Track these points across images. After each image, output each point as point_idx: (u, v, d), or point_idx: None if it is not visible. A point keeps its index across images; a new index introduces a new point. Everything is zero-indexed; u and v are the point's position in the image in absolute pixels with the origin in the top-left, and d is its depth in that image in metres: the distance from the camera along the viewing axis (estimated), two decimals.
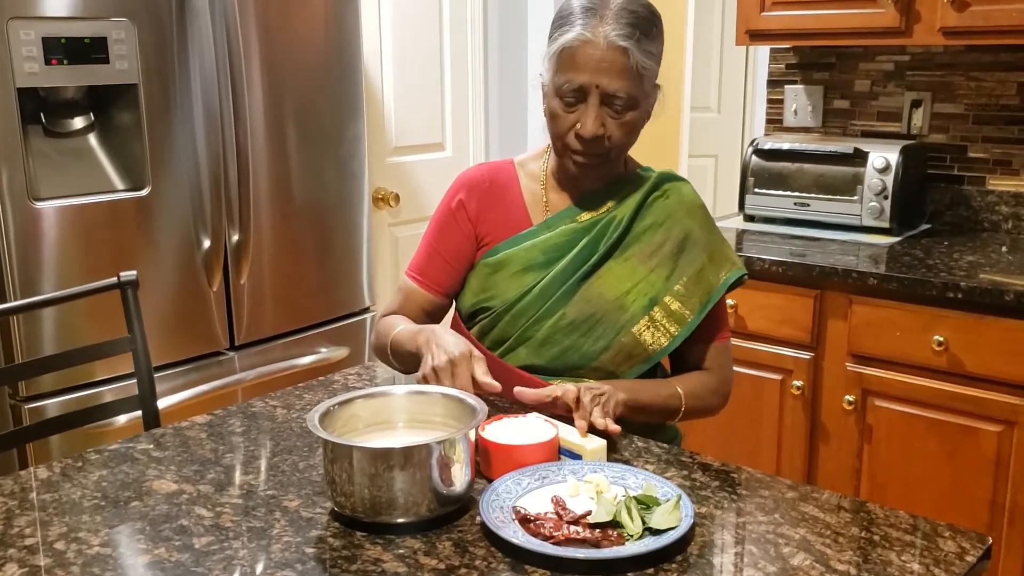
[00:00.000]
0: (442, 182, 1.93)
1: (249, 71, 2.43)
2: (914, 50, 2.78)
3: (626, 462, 1.33)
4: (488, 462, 1.27)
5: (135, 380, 1.74)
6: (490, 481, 1.22)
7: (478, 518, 1.16)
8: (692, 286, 1.58)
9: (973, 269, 2.28)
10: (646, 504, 1.15)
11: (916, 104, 2.80)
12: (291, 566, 1.08)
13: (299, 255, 2.63)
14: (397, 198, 3.16)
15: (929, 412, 2.25)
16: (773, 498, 1.24)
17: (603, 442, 1.31)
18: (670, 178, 1.65)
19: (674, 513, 1.12)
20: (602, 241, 1.58)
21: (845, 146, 2.66)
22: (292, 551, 1.11)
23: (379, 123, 3.10)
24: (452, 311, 1.72)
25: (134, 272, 1.73)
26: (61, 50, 2.11)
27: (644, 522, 1.11)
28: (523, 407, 1.49)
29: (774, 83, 3.07)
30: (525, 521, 1.13)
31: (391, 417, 1.32)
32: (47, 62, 2.09)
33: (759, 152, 2.81)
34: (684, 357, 1.64)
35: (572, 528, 1.10)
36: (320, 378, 1.71)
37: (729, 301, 2.41)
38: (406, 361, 1.56)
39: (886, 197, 2.59)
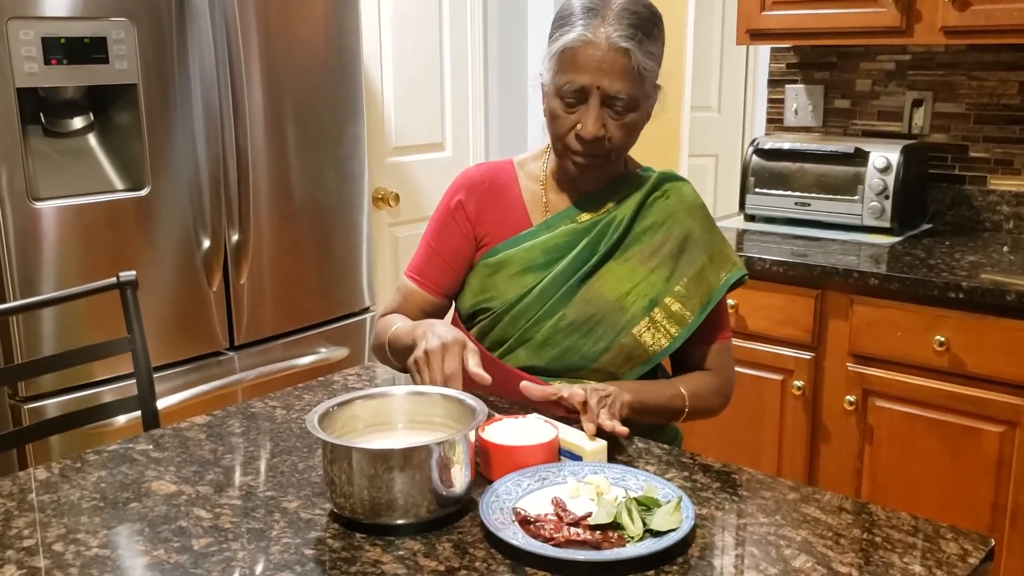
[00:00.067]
0: (442, 182, 1.92)
1: (249, 71, 2.43)
2: (915, 49, 2.77)
3: (627, 463, 1.32)
4: (488, 463, 1.27)
5: (135, 380, 1.73)
6: (490, 482, 1.22)
7: (478, 520, 1.15)
8: (692, 287, 1.57)
9: (974, 269, 2.27)
10: (647, 505, 1.14)
11: (917, 104, 2.79)
12: (290, 568, 1.07)
13: (299, 255, 2.63)
14: (397, 198, 3.16)
15: (930, 412, 2.24)
16: (774, 499, 1.23)
17: (603, 443, 1.31)
18: (670, 178, 1.64)
19: (675, 515, 1.11)
20: (602, 242, 1.57)
21: (846, 146, 2.66)
22: (291, 552, 1.11)
23: (379, 123, 3.10)
24: (452, 312, 1.72)
25: (133, 272, 1.72)
26: (61, 50, 2.10)
27: (645, 524, 1.11)
28: (523, 408, 1.48)
29: (775, 83, 3.07)
30: (525, 523, 1.12)
31: (391, 418, 1.31)
32: (47, 62, 2.09)
33: (760, 152, 2.80)
34: (685, 358, 1.64)
35: (572, 530, 1.10)
36: (320, 379, 1.71)
37: (730, 301, 2.41)
38: (404, 357, 1.54)
39: (887, 197, 2.58)
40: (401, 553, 1.10)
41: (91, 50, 2.14)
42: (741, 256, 2.41)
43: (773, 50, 3.05)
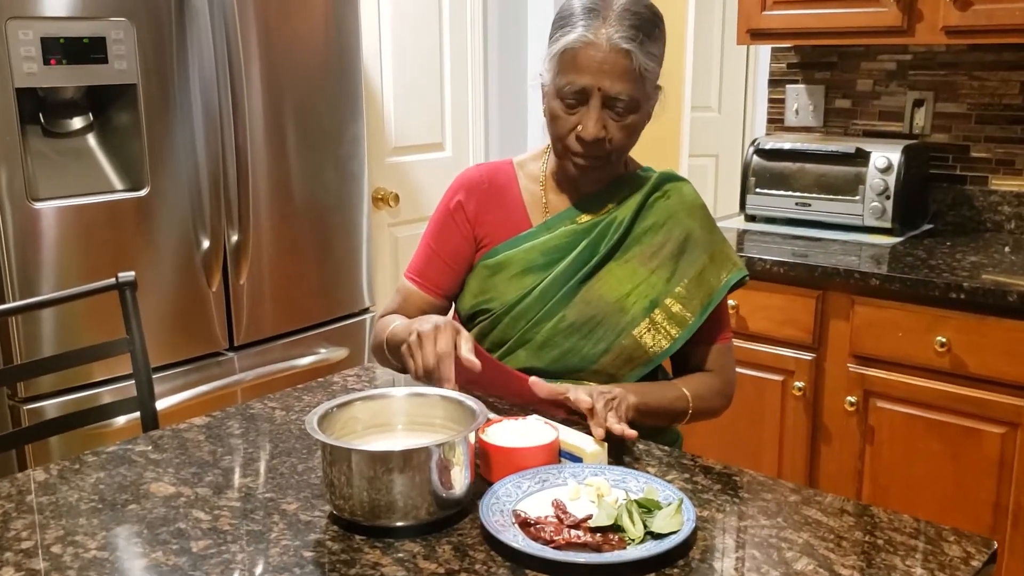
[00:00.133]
0: (442, 182, 1.92)
1: (248, 71, 2.42)
2: (916, 49, 2.77)
3: (627, 465, 1.32)
4: (488, 465, 1.26)
5: (134, 381, 1.73)
6: (490, 484, 1.21)
7: (478, 522, 1.15)
8: (693, 288, 1.57)
9: (976, 270, 2.27)
10: (647, 508, 1.14)
11: (918, 104, 2.79)
12: (289, 570, 1.07)
13: (298, 255, 2.62)
14: (397, 198, 3.16)
15: (931, 413, 2.24)
16: (776, 501, 1.23)
17: (604, 445, 1.30)
18: (671, 178, 1.63)
19: (676, 517, 1.11)
20: (602, 243, 1.57)
21: (847, 146, 2.65)
22: (290, 555, 1.10)
23: (379, 123, 3.09)
24: (451, 313, 1.71)
25: (132, 273, 1.72)
26: (60, 50, 2.10)
27: (646, 526, 1.10)
28: (523, 410, 1.48)
29: (775, 82, 3.06)
30: (525, 525, 1.12)
31: (390, 419, 1.31)
32: (46, 62, 2.08)
33: (760, 152, 2.80)
34: (686, 359, 1.63)
35: (573, 532, 1.10)
36: (319, 379, 1.70)
37: (730, 302, 2.40)
38: (399, 357, 1.54)
39: (888, 197, 2.58)
40: (401, 555, 1.09)
41: (90, 50, 2.14)
42: (742, 256, 2.40)
43: (774, 50, 3.05)
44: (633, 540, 1.09)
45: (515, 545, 1.07)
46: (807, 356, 2.42)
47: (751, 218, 2.85)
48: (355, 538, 1.13)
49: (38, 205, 2.11)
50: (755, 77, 4.05)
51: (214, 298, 2.44)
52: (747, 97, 4.26)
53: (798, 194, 2.72)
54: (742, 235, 2.71)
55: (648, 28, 1.47)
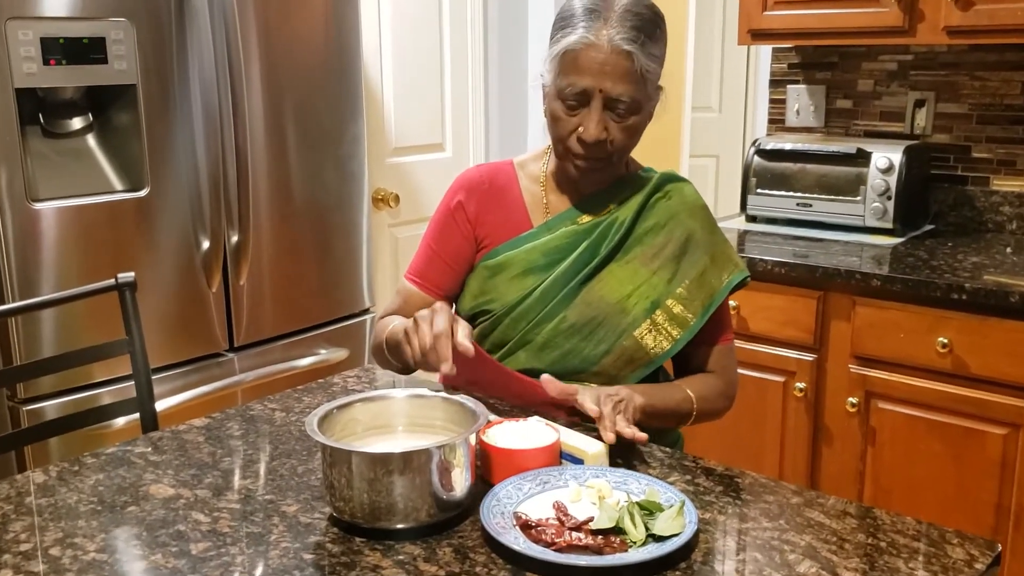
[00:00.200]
0: (442, 183, 1.91)
1: (248, 71, 2.42)
2: (917, 49, 2.76)
3: (628, 467, 1.31)
4: (489, 466, 1.26)
5: (133, 382, 1.72)
6: (491, 486, 1.21)
7: (479, 524, 1.14)
8: (694, 289, 1.56)
9: (977, 270, 2.26)
10: (649, 510, 1.13)
11: (919, 104, 2.78)
12: (289, 572, 1.06)
13: (298, 256, 2.62)
14: (397, 199, 3.15)
15: (933, 415, 2.23)
16: (778, 503, 1.22)
17: (605, 446, 1.30)
18: (672, 179, 1.63)
19: (677, 519, 1.10)
20: (603, 243, 1.56)
21: (848, 146, 2.65)
22: (290, 557, 1.10)
23: (379, 123, 3.09)
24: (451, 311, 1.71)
25: (132, 274, 1.71)
26: (59, 50, 2.09)
27: (647, 528, 1.10)
28: (524, 411, 1.47)
29: (776, 83, 3.06)
30: (526, 527, 1.11)
31: (390, 421, 1.30)
32: (45, 62, 2.08)
33: (761, 152, 2.79)
34: (688, 360, 1.63)
35: (574, 534, 1.09)
36: (319, 381, 1.70)
37: (731, 302, 2.39)
38: (398, 355, 1.53)
39: (889, 198, 2.57)
40: (401, 558, 1.09)
41: (90, 50, 2.14)
42: (743, 257, 2.40)
43: (774, 50, 3.04)
44: (635, 543, 1.08)
45: (516, 547, 1.06)
46: (808, 357, 2.41)
47: (752, 219, 2.84)
48: (355, 540, 1.13)
49: (38, 206, 2.11)
50: (756, 77, 4.05)
51: (214, 299, 2.44)
52: (748, 97, 4.25)
53: (799, 194, 2.72)
54: (743, 236, 2.70)
55: (649, 29, 1.46)
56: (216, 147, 2.37)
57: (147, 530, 1.17)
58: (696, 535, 1.12)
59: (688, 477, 1.30)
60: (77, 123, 2.26)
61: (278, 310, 2.59)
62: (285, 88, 2.52)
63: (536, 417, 1.36)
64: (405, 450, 1.12)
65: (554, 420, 1.40)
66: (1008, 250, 2.48)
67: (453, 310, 1.69)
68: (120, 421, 2.11)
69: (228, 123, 2.38)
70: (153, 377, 1.78)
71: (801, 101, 3.00)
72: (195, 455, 1.39)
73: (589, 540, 1.08)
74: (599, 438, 1.32)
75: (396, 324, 1.54)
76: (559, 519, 1.13)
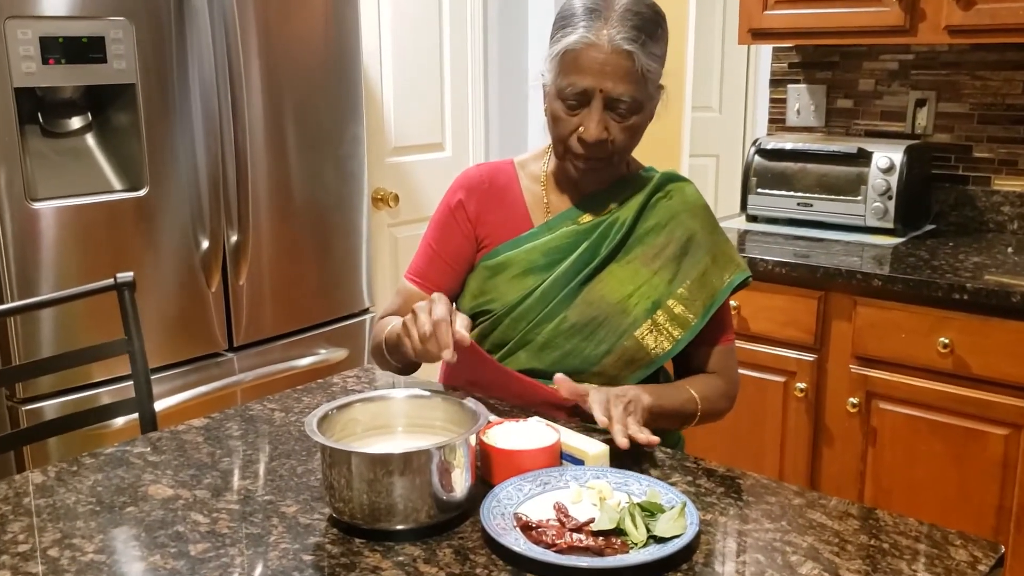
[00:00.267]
0: (442, 182, 1.91)
1: (248, 71, 2.41)
2: (919, 49, 2.76)
3: (629, 468, 1.30)
4: (489, 467, 1.25)
5: (132, 382, 1.72)
6: (491, 487, 1.20)
7: (479, 525, 1.14)
8: (696, 289, 1.56)
9: (979, 270, 2.26)
10: (650, 511, 1.13)
11: (920, 103, 2.78)
12: (288, 573, 1.06)
13: (298, 256, 2.61)
14: (396, 198, 3.15)
15: (934, 415, 2.23)
16: (780, 505, 1.22)
17: (606, 447, 1.29)
18: (673, 179, 1.62)
19: (679, 520, 1.10)
20: (604, 243, 1.56)
21: (849, 146, 2.64)
22: (290, 558, 1.09)
23: (378, 123, 3.08)
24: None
25: (131, 273, 1.71)
26: (59, 49, 2.09)
27: (648, 530, 1.09)
28: (524, 412, 1.47)
29: (777, 82, 3.05)
30: (527, 528, 1.11)
31: (390, 421, 1.30)
32: (44, 62, 2.07)
33: (762, 152, 2.79)
34: (689, 360, 1.62)
35: (575, 536, 1.08)
36: (319, 381, 1.69)
37: (732, 303, 2.39)
38: (398, 353, 1.52)
39: (890, 197, 2.57)
40: (401, 559, 1.08)
41: (89, 50, 2.13)
42: (743, 257, 2.39)
43: (775, 49, 3.04)
44: (636, 544, 1.08)
45: (516, 549, 1.06)
46: (809, 357, 2.41)
47: (752, 218, 2.84)
48: (355, 541, 1.12)
49: (37, 205, 2.10)
50: (756, 77, 4.04)
51: (213, 298, 2.43)
52: (748, 97, 4.25)
53: (800, 194, 2.71)
54: (743, 235, 2.70)
55: (650, 28, 1.46)
56: (215, 147, 2.37)
57: (146, 531, 1.16)
58: (697, 536, 1.12)
59: (689, 478, 1.29)
60: (76, 122, 2.25)
61: (277, 310, 2.58)
62: (285, 88, 2.51)
63: (536, 418, 1.36)
64: (405, 451, 1.12)
65: (554, 420, 1.39)
66: (1009, 250, 2.48)
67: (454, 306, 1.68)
68: (119, 421, 2.11)
69: (228, 123, 2.38)
70: (152, 377, 1.77)
71: (802, 101, 3.00)
72: (194, 455, 1.38)
73: (590, 541, 1.08)
74: (600, 439, 1.32)
75: (395, 325, 1.53)
76: (560, 520, 1.13)
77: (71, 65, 2.11)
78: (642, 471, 1.29)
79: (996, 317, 2.12)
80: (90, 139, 2.27)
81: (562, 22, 1.49)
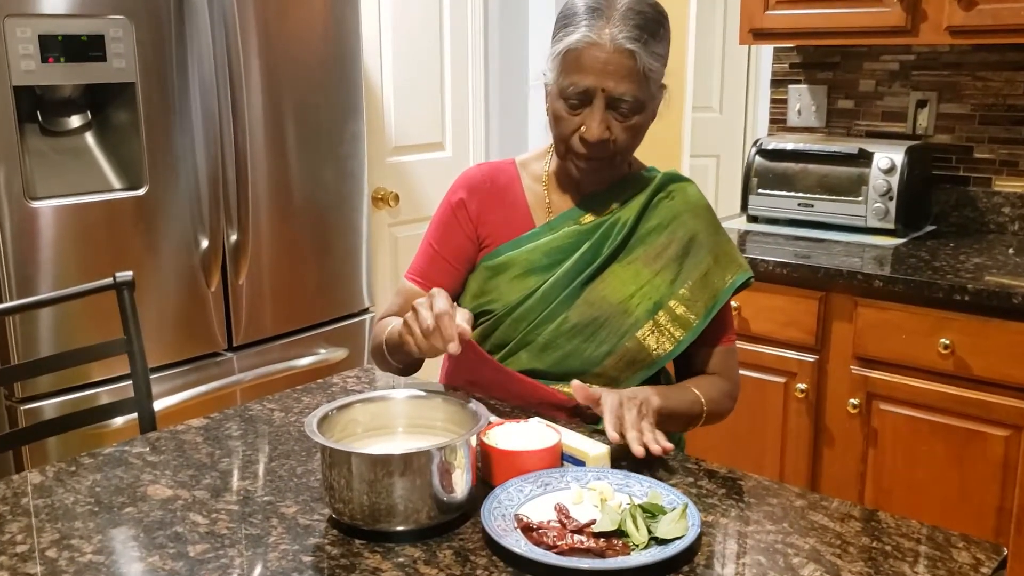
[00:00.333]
0: (442, 182, 1.91)
1: (248, 70, 2.41)
2: (920, 49, 2.75)
3: (630, 468, 1.30)
4: (490, 468, 1.25)
5: (132, 381, 1.71)
6: (492, 488, 1.20)
7: (479, 526, 1.13)
8: (697, 290, 1.55)
9: (979, 271, 2.25)
10: (651, 512, 1.12)
11: (921, 104, 2.77)
12: (288, 575, 1.05)
13: (298, 255, 2.61)
14: (396, 198, 3.14)
15: (935, 416, 2.22)
16: (781, 506, 1.21)
17: (607, 448, 1.29)
18: (675, 179, 1.62)
19: (680, 522, 1.09)
20: (606, 244, 1.55)
21: (849, 146, 2.64)
22: (289, 559, 1.09)
23: (379, 122, 3.08)
24: None
25: (130, 273, 1.70)
26: (58, 48, 2.08)
27: (650, 531, 1.09)
28: (525, 412, 1.47)
29: (778, 82, 3.05)
30: (528, 530, 1.10)
31: (390, 422, 1.29)
32: (44, 60, 2.07)
33: (763, 152, 2.78)
34: (690, 360, 1.62)
35: (576, 537, 1.08)
36: (319, 381, 1.69)
37: (733, 303, 2.38)
38: (399, 353, 1.51)
39: (891, 198, 2.56)
40: (401, 560, 1.08)
41: (89, 48, 2.12)
42: (744, 257, 2.38)
43: (776, 50, 3.03)
44: (637, 546, 1.07)
45: (517, 550, 1.05)
46: (810, 358, 2.40)
47: (753, 219, 2.83)
48: (355, 542, 1.12)
49: (36, 204, 2.10)
50: (757, 77, 4.04)
51: (213, 298, 2.43)
52: (749, 97, 4.25)
53: (800, 195, 2.71)
54: (744, 236, 2.69)
55: (652, 28, 1.45)
56: (215, 146, 2.36)
57: (145, 531, 1.15)
58: (699, 538, 1.11)
59: (691, 479, 1.29)
60: (75, 121, 2.25)
61: (277, 309, 2.58)
62: (285, 87, 2.51)
63: (537, 418, 1.35)
64: (405, 451, 1.11)
65: (555, 421, 1.39)
66: (1010, 251, 2.48)
67: None
68: (118, 421, 2.11)
69: (227, 122, 2.37)
70: (151, 377, 1.77)
71: (803, 101, 2.99)
72: (193, 456, 1.38)
73: (591, 543, 1.07)
74: (601, 440, 1.31)
75: (396, 324, 1.53)
76: (561, 521, 1.12)
77: (70, 64, 2.11)
78: (643, 472, 1.28)
79: (997, 318, 2.11)
80: (89, 138, 2.26)
81: (564, 21, 1.48)
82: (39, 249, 2.11)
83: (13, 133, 2.05)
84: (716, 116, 4.34)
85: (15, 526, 1.17)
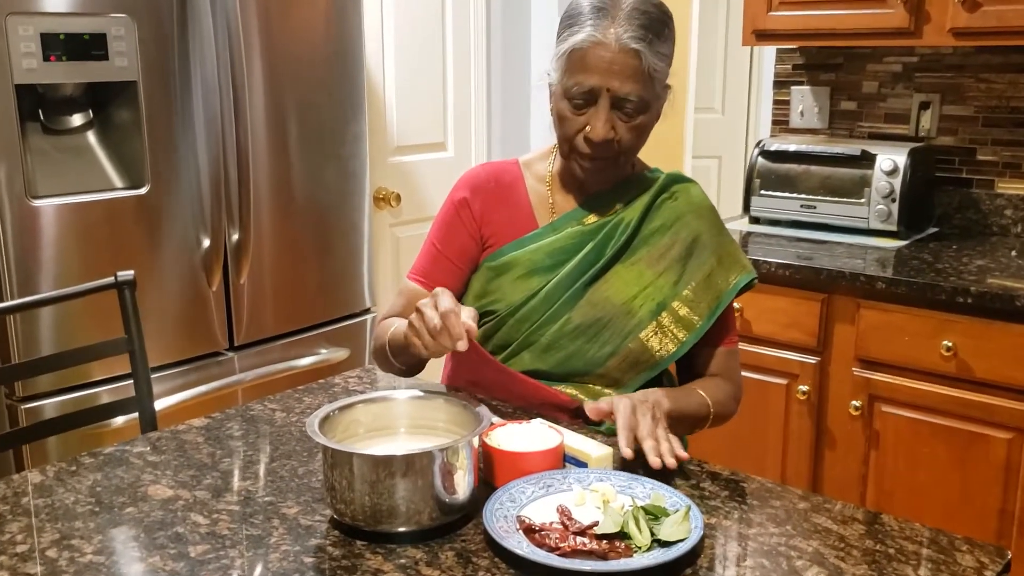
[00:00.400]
0: (444, 182, 1.90)
1: (250, 69, 2.40)
2: (923, 51, 2.75)
3: (633, 470, 1.29)
4: (492, 469, 1.24)
5: (132, 381, 1.71)
6: (494, 489, 1.19)
7: (481, 527, 1.13)
8: (701, 291, 1.55)
9: (982, 273, 2.25)
10: (654, 515, 1.12)
11: (924, 106, 2.77)
12: None
13: (299, 255, 2.61)
14: (398, 198, 3.14)
15: (937, 418, 2.22)
16: (784, 509, 1.21)
17: (609, 449, 1.28)
18: (679, 179, 1.61)
19: (683, 524, 1.09)
20: (609, 244, 1.55)
21: (852, 148, 2.64)
22: (290, 560, 1.08)
23: (380, 122, 3.08)
24: None
25: (131, 272, 1.70)
26: (60, 46, 2.08)
27: (653, 533, 1.08)
28: (527, 413, 1.46)
29: (780, 84, 3.04)
30: (530, 531, 1.10)
31: (392, 423, 1.29)
32: (46, 58, 2.06)
33: (765, 153, 2.78)
34: (692, 362, 1.61)
35: (578, 539, 1.08)
36: (320, 381, 1.68)
37: (735, 304, 2.38)
38: (404, 354, 1.50)
39: (894, 200, 2.56)
40: (403, 561, 1.07)
41: (91, 47, 2.12)
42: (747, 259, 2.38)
43: (779, 51, 3.03)
44: (640, 548, 1.07)
45: (519, 552, 1.05)
46: (812, 360, 2.40)
47: (755, 220, 2.83)
48: (356, 543, 1.12)
49: (37, 203, 2.10)
50: (759, 78, 4.04)
51: (214, 297, 2.42)
52: (751, 98, 4.24)
53: (803, 196, 2.70)
54: (747, 237, 2.69)
55: (657, 28, 1.45)
56: (217, 145, 2.36)
57: (145, 532, 1.15)
58: (702, 540, 1.11)
59: (693, 481, 1.28)
60: (77, 120, 2.24)
61: (279, 309, 2.58)
62: (287, 86, 2.50)
63: (539, 419, 1.35)
64: (407, 452, 1.11)
65: (557, 422, 1.38)
66: (1013, 253, 2.47)
67: None
68: (119, 420, 2.10)
69: (229, 121, 2.37)
70: (152, 376, 1.76)
71: (805, 102, 2.99)
72: (194, 456, 1.37)
73: (594, 545, 1.07)
74: (604, 441, 1.31)
75: (398, 326, 1.52)
76: (563, 523, 1.12)
77: (72, 62, 2.10)
78: (646, 474, 1.28)
79: (999, 321, 2.11)
80: (91, 136, 2.26)
81: (569, 21, 1.48)
82: (40, 248, 2.11)
83: (15, 131, 2.04)
84: (718, 117, 4.33)
85: (15, 526, 1.17)
